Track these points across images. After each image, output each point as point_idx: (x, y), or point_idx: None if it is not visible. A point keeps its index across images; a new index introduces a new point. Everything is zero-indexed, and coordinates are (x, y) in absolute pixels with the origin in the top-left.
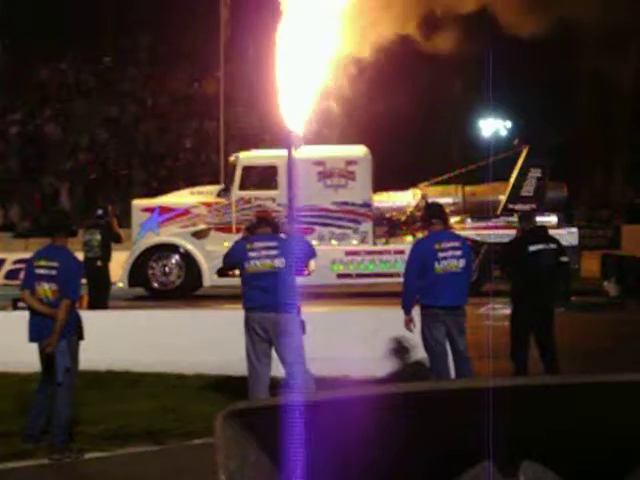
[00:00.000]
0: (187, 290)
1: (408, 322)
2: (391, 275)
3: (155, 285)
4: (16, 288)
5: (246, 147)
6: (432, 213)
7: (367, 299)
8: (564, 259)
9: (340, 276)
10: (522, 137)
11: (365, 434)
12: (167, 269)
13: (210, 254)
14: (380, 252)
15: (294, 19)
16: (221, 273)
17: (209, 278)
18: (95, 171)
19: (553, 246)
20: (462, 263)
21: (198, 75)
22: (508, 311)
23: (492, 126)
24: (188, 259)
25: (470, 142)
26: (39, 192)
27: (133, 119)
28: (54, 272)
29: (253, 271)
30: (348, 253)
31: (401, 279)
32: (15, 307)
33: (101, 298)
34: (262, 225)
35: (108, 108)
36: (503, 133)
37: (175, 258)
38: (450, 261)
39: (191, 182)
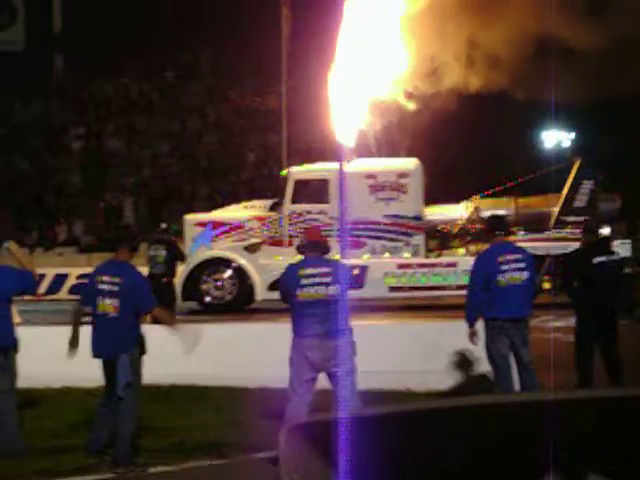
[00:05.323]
0: (240, 304)
1: (472, 335)
2: (443, 288)
3: (208, 299)
4: None
5: (309, 161)
6: (494, 225)
7: (413, 312)
8: (627, 270)
9: (392, 289)
10: (575, 149)
11: (428, 447)
12: (220, 283)
13: (263, 268)
14: (432, 265)
15: (354, 34)
16: (273, 287)
17: (261, 292)
18: (158, 186)
19: (616, 258)
20: (525, 275)
21: (261, 89)
22: (571, 323)
23: (555, 138)
24: (241, 273)
25: (533, 154)
26: (103, 207)
27: (196, 133)
28: (117, 288)
29: (305, 299)
30: (400, 266)
31: (453, 292)
32: None
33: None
34: (312, 247)
35: (170, 122)
36: (566, 145)
37: (228, 272)
38: (513, 273)
39: (254, 196)
